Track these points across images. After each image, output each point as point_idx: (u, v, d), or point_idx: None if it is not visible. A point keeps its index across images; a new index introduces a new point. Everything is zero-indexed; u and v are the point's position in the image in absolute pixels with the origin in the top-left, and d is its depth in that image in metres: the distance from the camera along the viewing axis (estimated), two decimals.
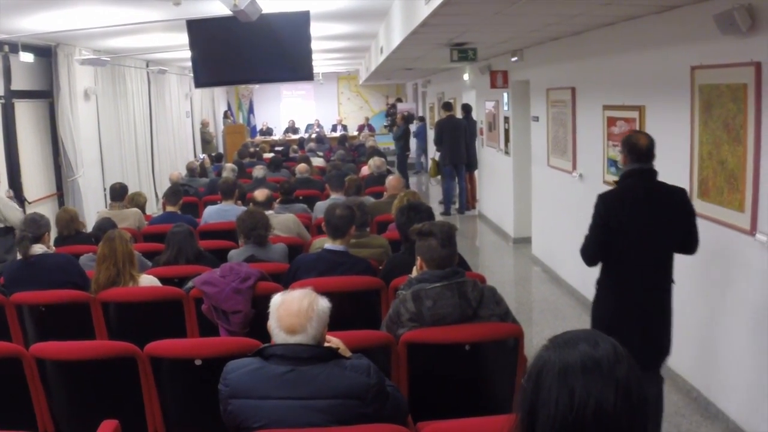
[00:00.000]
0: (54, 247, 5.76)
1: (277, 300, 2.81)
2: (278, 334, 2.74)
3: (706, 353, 5.13)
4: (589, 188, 7.23)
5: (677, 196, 4.28)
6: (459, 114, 13.49)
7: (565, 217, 8.18)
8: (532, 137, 9.62)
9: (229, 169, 10.92)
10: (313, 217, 7.54)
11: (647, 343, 4.21)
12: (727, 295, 4.80)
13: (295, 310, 2.72)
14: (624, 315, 4.24)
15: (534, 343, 6.31)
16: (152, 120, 14.83)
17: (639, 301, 4.24)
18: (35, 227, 5.16)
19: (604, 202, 4.34)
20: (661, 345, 4.33)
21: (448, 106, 13.35)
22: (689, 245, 4.33)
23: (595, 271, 4.53)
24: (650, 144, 4.24)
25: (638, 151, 4.23)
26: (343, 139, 18.90)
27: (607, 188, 5.07)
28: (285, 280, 4.67)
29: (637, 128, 5.98)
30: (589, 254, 4.41)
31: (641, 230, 4.20)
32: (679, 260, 4.35)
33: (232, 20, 6.45)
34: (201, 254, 5.45)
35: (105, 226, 5.86)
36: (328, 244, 4.83)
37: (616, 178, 4.95)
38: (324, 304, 2.81)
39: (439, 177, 14.58)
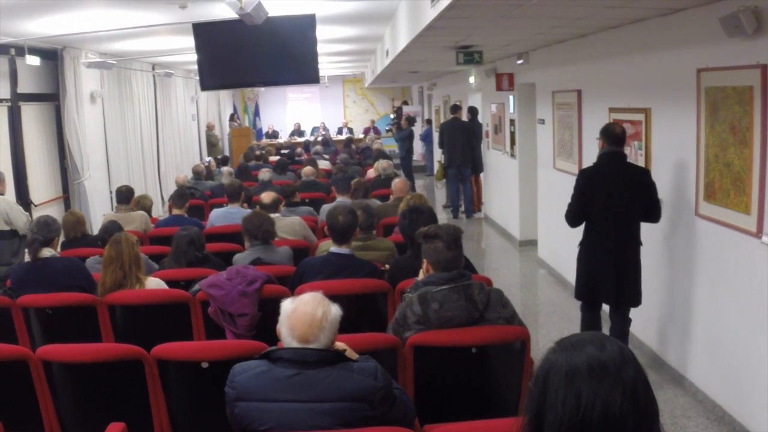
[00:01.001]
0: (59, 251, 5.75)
1: (288, 307, 2.79)
2: (290, 342, 2.73)
3: (713, 355, 5.12)
4: None
5: (641, 175, 5.39)
6: (464, 117, 13.46)
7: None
8: (537, 140, 9.61)
9: (226, 173, 10.93)
10: (319, 219, 7.54)
11: (618, 287, 5.39)
12: (733, 297, 4.79)
13: (308, 321, 2.71)
14: (600, 266, 5.43)
15: (540, 345, 6.31)
16: (158, 123, 14.87)
17: (611, 256, 5.35)
18: (47, 231, 5.14)
19: (582, 176, 5.53)
20: (631, 290, 5.42)
21: (455, 109, 13.32)
22: (653, 215, 5.37)
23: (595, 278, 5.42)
24: (622, 133, 5.41)
25: (613, 137, 5.38)
26: (349, 142, 18.91)
27: None
28: (291, 284, 4.67)
29: (644, 131, 6.00)
30: (571, 218, 5.58)
31: (611, 200, 5.29)
32: (685, 262, 4.44)
33: (238, 23, 6.48)
34: (207, 257, 5.45)
35: (111, 228, 5.87)
36: (333, 247, 4.84)
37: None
38: (336, 311, 2.80)
39: (444, 180, 14.60)
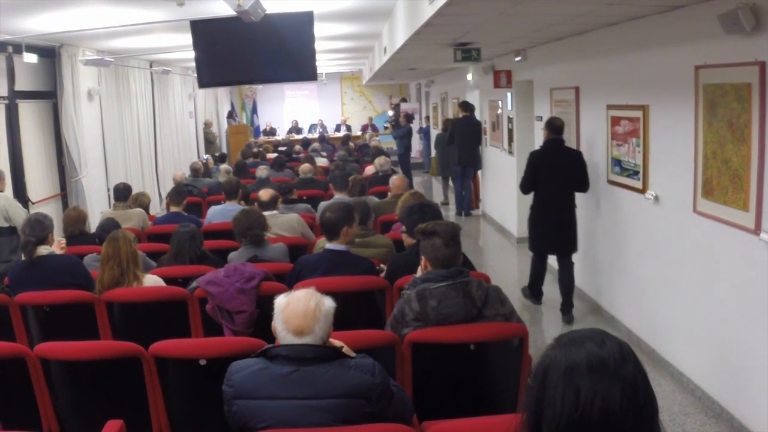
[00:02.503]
0: (65, 246, 5.71)
1: (281, 302, 2.80)
2: (285, 337, 2.73)
3: (711, 352, 5.13)
4: (593, 188, 7.23)
5: (576, 156, 7.09)
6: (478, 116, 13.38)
7: None
8: (535, 137, 9.61)
9: (224, 170, 10.92)
10: (316, 217, 7.54)
11: (560, 237, 7.08)
12: (731, 294, 4.79)
13: (302, 312, 2.72)
14: (545, 222, 7.09)
15: (538, 342, 6.32)
16: (156, 120, 14.85)
17: (554, 215, 7.05)
18: (40, 229, 5.09)
19: (532, 156, 7.25)
20: (571, 241, 7.11)
21: (466, 106, 12.94)
22: (583, 185, 7.02)
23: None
24: (561, 124, 7.12)
25: (554, 127, 7.08)
26: (347, 139, 18.89)
27: (611, 187, 6.86)
28: (289, 281, 4.67)
29: (642, 128, 6.02)
30: (524, 187, 7.20)
31: (554, 174, 6.98)
32: (684, 259, 4.39)
33: (235, 20, 6.46)
34: (205, 255, 5.45)
35: (109, 226, 5.86)
36: (328, 244, 4.84)
37: (618, 175, 6.67)
38: (329, 303, 2.81)
39: (440, 177, 14.61)
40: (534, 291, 7.61)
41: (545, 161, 7.02)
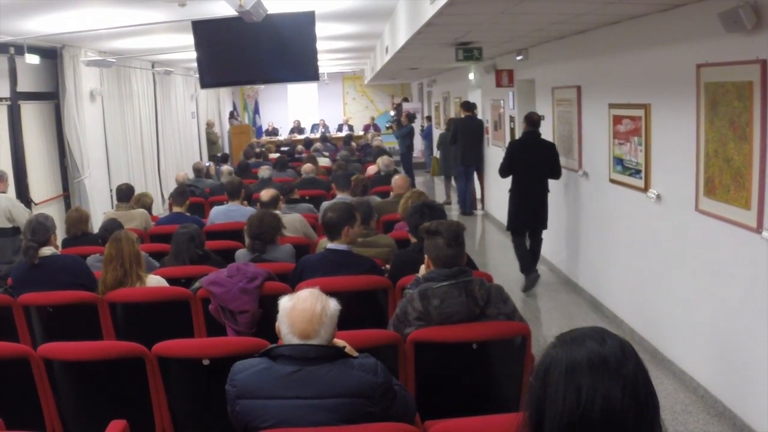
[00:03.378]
0: (60, 248, 5.72)
1: (287, 304, 2.80)
2: (291, 339, 2.73)
3: (713, 351, 5.13)
4: (595, 186, 7.23)
5: (550, 147, 8.02)
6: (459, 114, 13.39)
7: (571, 216, 8.18)
8: None
9: (226, 171, 10.92)
10: (319, 217, 7.54)
11: (535, 218, 8.07)
12: (733, 292, 4.79)
13: (308, 317, 2.72)
14: (522, 204, 8.04)
15: (541, 341, 6.32)
16: (158, 121, 14.87)
17: (529, 198, 8.00)
18: (42, 232, 5.04)
19: (512, 145, 8.40)
20: (542, 220, 8.11)
21: (468, 106, 12.95)
22: (555, 173, 7.96)
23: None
24: (538, 119, 8.03)
25: (532, 121, 7.99)
26: (349, 139, 18.90)
27: (613, 186, 6.82)
28: (291, 281, 4.68)
29: (643, 127, 6.01)
30: (502, 172, 8.14)
31: (529, 161, 7.89)
32: (686, 258, 4.53)
33: (237, 21, 6.48)
34: (207, 255, 5.45)
35: (112, 226, 5.87)
36: (330, 244, 4.84)
37: (620, 174, 6.65)
38: (334, 306, 2.81)
39: (443, 176, 14.59)
40: (525, 269, 8.31)
41: (522, 150, 7.97)
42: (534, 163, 7.86)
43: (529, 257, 8.27)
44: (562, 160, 8.36)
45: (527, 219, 8.09)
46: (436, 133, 18.15)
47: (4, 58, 9.02)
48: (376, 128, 24.96)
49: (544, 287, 8.41)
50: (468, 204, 13.33)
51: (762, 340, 4.42)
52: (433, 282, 3.52)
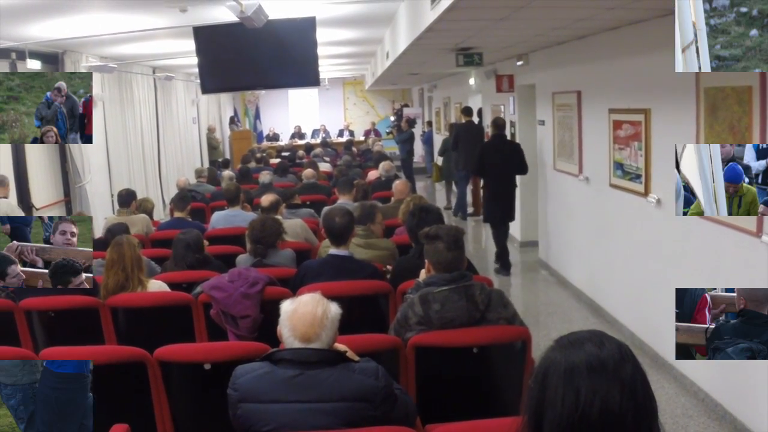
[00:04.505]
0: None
1: (288, 308, 2.81)
2: (292, 343, 2.75)
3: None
4: (596, 191, 7.24)
5: (515, 147, 9.23)
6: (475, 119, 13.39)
7: (572, 221, 8.19)
8: (538, 141, 9.64)
9: (227, 177, 10.94)
10: (320, 221, 7.54)
11: (503, 212, 9.15)
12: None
13: (309, 321, 2.74)
14: (493, 200, 9.20)
15: (541, 345, 6.27)
16: (159, 126, 14.87)
17: (499, 195, 9.12)
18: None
19: (481, 148, 9.49)
20: (509, 213, 9.23)
21: (468, 111, 12.97)
22: (522, 169, 9.09)
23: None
24: (503, 123, 9.53)
25: (499, 125, 9.32)
26: (350, 144, 18.90)
27: (614, 191, 6.83)
28: (292, 287, 4.68)
29: (643, 132, 6.03)
30: (474, 170, 10.03)
31: (498, 161, 8.97)
32: (687, 260, 4.51)
33: (238, 27, 6.49)
34: (207, 260, 5.46)
35: (117, 230, 5.87)
36: (332, 249, 4.85)
37: (620, 179, 6.71)
38: (335, 309, 2.83)
39: (443, 182, 14.60)
40: (503, 262, 9.32)
41: (491, 152, 9.09)
42: (501, 162, 8.97)
43: (505, 246, 9.32)
44: (564, 166, 8.40)
45: (496, 211, 9.18)
46: (437, 139, 18.17)
47: (5, 63, 9.04)
48: (377, 133, 24.98)
49: (544, 290, 8.43)
50: (464, 208, 13.36)
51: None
52: (433, 286, 3.53)
